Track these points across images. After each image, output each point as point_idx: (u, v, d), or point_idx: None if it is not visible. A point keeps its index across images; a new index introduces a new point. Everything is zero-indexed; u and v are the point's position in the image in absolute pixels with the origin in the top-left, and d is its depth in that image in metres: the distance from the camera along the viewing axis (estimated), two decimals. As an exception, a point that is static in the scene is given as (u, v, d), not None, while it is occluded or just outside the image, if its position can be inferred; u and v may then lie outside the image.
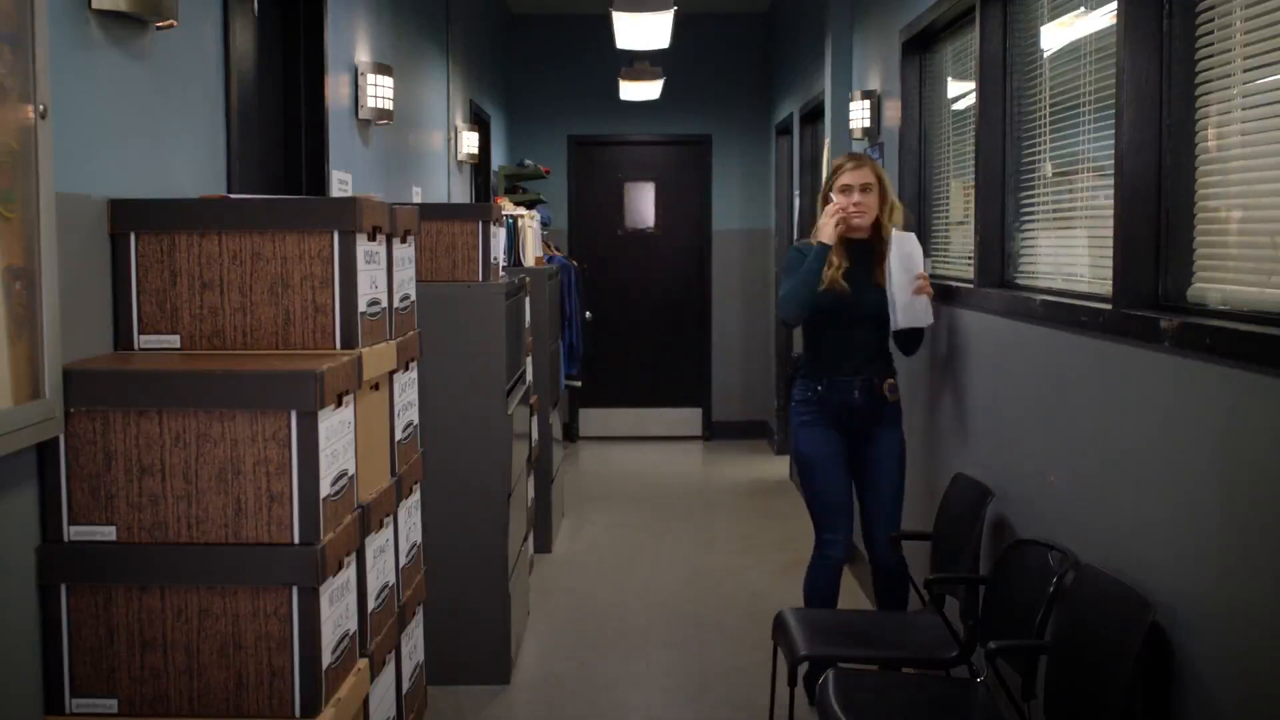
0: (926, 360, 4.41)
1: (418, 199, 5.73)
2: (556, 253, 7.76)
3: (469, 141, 7.12)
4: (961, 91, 4.24)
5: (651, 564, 6.08)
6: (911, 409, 4.64)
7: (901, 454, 4.13)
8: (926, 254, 4.73)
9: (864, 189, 4.03)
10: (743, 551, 6.34)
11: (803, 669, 3.60)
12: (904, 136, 4.80)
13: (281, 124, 4.00)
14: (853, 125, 5.57)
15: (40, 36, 2.10)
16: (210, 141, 3.12)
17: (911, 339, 4.13)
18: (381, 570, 2.79)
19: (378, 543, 2.75)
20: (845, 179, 4.05)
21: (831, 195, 4.08)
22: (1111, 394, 2.70)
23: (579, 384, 8.12)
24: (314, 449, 2.26)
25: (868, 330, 4.07)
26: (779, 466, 8.48)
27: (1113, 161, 2.68)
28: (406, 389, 3.09)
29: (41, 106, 2.11)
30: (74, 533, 2.26)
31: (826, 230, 3.97)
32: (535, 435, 5.77)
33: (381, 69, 4.72)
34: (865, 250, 4.08)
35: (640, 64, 8.05)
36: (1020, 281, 3.59)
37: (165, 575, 2.26)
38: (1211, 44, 2.41)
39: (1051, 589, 2.75)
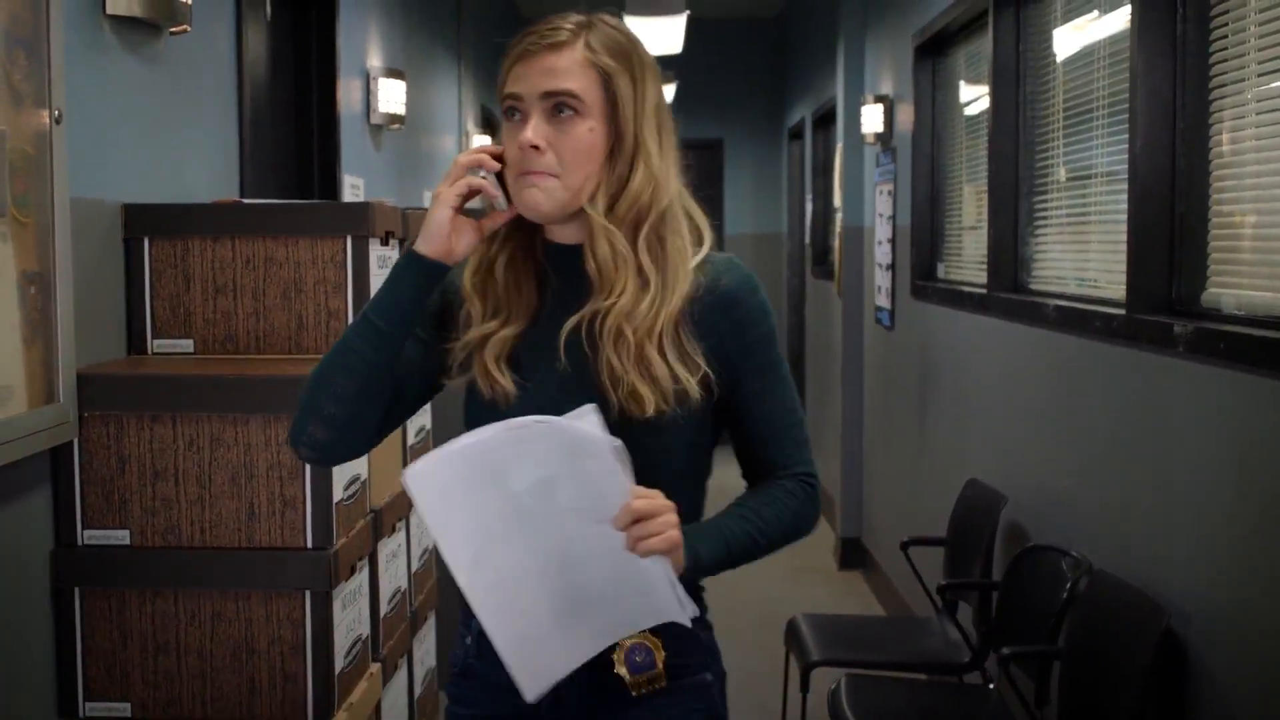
0: (939, 365, 4.41)
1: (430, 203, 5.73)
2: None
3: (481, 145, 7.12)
4: (974, 96, 4.23)
5: (663, 568, 6.06)
6: (924, 414, 4.63)
7: None
8: (939, 258, 4.71)
9: (556, 108, 1.53)
10: (754, 556, 6.32)
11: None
12: (917, 141, 4.78)
13: (294, 129, 4.01)
14: (865, 130, 5.56)
15: (55, 42, 2.11)
16: (223, 146, 3.12)
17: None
18: (394, 575, 2.79)
19: (390, 547, 2.75)
20: (515, 82, 1.55)
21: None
22: (1125, 400, 2.69)
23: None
24: (327, 453, 2.26)
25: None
26: (791, 471, 8.46)
27: (1126, 166, 2.68)
28: (419, 393, 3.09)
29: (56, 111, 2.12)
30: (88, 537, 2.27)
31: (438, 210, 1.58)
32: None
33: (393, 73, 4.73)
34: (573, 269, 1.60)
35: (652, 68, 8.04)
36: (1033, 286, 3.57)
37: (179, 579, 2.26)
38: (1225, 48, 2.40)
39: (1065, 595, 2.74)
